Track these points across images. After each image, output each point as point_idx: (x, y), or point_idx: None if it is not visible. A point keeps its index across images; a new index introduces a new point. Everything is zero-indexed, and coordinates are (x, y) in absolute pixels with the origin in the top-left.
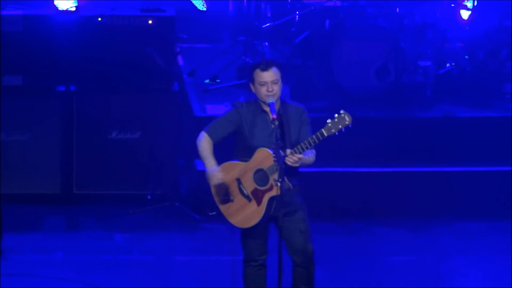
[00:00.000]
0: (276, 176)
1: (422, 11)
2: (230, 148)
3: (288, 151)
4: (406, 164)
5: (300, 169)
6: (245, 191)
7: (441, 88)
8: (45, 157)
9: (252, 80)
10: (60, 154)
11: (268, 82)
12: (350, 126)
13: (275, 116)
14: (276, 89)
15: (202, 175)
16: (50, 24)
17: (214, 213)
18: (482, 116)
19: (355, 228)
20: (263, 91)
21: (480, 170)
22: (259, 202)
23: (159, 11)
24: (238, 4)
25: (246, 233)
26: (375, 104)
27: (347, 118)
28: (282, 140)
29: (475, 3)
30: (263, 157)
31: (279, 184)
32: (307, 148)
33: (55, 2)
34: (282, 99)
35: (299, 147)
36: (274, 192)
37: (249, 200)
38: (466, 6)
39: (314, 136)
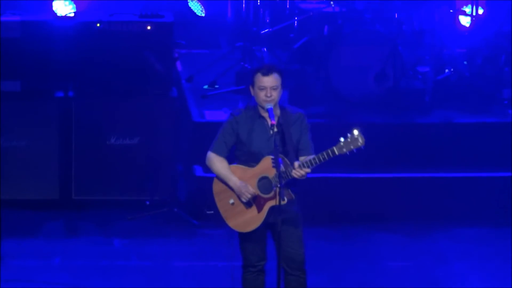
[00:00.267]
0: (278, 184)
1: (420, 16)
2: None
3: (296, 164)
4: (404, 170)
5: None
6: None
7: (439, 94)
8: (44, 162)
9: (252, 83)
10: (59, 159)
11: (268, 88)
12: (362, 148)
13: (274, 122)
14: (275, 95)
15: (200, 181)
16: (48, 30)
17: (212, 212)
18: (480, 121)
19: (353, 233)
20: (261, 95)
21: (479, 176)
22: (259, 209)
23: (157, 16)
24: (237, 10)
25: (245, 238)
26: (373, 110)
27: (360, 140)
28: (283, 148)
29: (474, 9)
30: (269, 165)
31: (277, 189)
32: (316, 163)
33: (54, 8)
34: (281, 105)
35: (308, 162)
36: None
37: (250, 206)
38: (465, 12)
39: (324, 153)
